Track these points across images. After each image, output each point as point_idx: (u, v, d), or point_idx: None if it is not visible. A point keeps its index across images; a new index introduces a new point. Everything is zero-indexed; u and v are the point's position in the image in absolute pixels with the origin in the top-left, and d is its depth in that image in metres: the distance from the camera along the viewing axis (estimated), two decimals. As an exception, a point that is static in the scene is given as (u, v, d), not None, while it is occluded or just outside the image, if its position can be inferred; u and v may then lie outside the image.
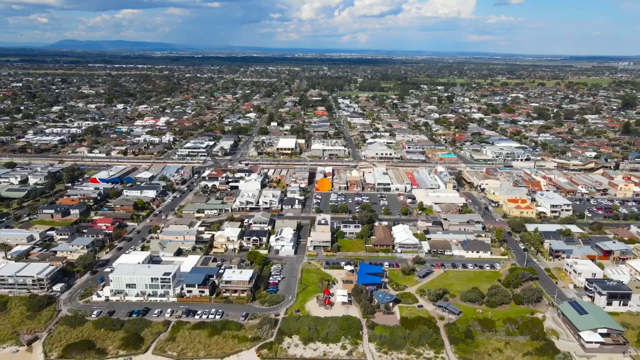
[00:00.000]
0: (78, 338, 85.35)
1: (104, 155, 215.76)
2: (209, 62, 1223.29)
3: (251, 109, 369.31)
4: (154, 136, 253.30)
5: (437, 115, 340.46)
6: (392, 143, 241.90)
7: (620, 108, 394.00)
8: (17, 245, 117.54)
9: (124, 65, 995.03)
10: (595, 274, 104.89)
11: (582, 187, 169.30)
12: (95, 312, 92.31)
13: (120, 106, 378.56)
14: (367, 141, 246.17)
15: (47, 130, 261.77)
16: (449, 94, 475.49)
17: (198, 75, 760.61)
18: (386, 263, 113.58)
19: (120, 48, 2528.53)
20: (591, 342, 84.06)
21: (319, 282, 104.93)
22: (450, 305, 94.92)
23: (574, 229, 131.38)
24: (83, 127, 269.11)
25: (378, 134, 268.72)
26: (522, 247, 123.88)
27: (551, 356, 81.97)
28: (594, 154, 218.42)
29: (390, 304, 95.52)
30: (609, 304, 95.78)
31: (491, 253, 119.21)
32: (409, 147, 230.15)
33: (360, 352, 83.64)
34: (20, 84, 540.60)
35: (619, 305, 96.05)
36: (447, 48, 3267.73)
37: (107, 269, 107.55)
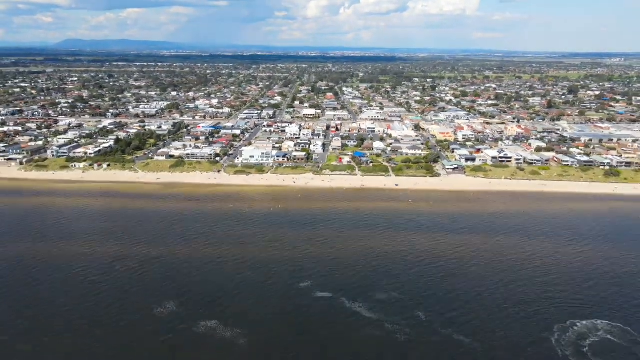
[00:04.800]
0: (237, 170, 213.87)
1: (191, 119, 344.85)
2: (216, 60, 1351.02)
3: (276, 95, 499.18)
4: (215, 109, 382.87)
5: (418, 98, 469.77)
6: (380, 112, 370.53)
7: (564, 94, 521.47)
8: (178, 150, 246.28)
9: (145, 63, 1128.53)
10: (464, 155, 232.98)
11: (488, 130, 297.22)
12: (238, 164, 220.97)
13: (174, 93, 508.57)
14: (362, 111, 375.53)
15: (141, 106, 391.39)
16: (434, 85, 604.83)
17: (217, 71, 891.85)
18: (368, 153, 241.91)
19: (126, 47, 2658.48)
20: (449, 169, 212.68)
21: (336, 157, 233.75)
22: (393, 161, 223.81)
23: (469, 144, 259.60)
24: (164, 105, 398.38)
25: (371, 107, 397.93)
26: (439, 149, 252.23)
27: (432, 173, 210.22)
28: (510, 116, 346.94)
29: (369, 162, 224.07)
30: (466, 161, 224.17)
31: (422, 151, 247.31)
32: (390, 114, 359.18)
33: (354, 174, 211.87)
34: (76, 78, 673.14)
35: (470, 162, 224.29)
36: (453, 45, 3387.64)
37: (243, 149, 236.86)
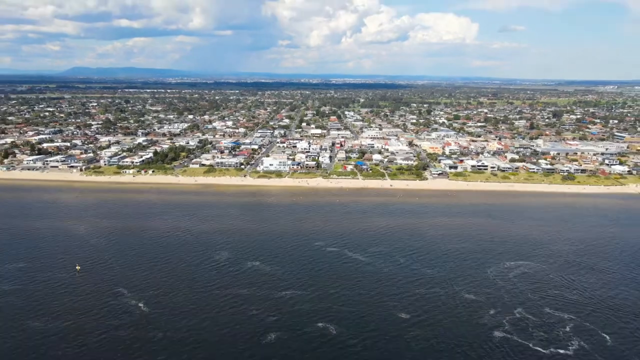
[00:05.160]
0: (259, 175, 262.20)
1: (212, 137, 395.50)
2: (221, 87, 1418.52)
3: (284, 117, 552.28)
4: (232, 129, 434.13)
5: (414, 120, 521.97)
6: (379, 132, 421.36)
7: (549, 117, 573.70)
8: (208, 160, 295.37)
9: (155, 90, 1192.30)
10: (449, 164, 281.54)
11: (472, 146, 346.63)
12: (260, 171, 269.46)
13: (190, 116, 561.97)
14: (363, 131, 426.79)
15: (165, 126, 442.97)
16: (429, 109, 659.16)
17: (226, 97, 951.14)
18: (368, 163, 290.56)
19: (132, 74, 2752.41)
20: (435, 174, 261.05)
21: (341, 165, 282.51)
22: (389, 169, 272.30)
23: (454, 156, 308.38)
24: (185, 125, 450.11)
25: (371, 128, 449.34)
26: (428, 160, 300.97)
27: (421, 177, 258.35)
28: (494, 135, 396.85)
29: (369, 169, 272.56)
30: (449, 169, 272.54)
31: (413, 161, 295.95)
32: (388, 133, 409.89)
33: (356, 178, 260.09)
34: (95, 103, 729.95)
35: (453, 169, 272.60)
36: (452, 73, 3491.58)
37: (263, 159, 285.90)
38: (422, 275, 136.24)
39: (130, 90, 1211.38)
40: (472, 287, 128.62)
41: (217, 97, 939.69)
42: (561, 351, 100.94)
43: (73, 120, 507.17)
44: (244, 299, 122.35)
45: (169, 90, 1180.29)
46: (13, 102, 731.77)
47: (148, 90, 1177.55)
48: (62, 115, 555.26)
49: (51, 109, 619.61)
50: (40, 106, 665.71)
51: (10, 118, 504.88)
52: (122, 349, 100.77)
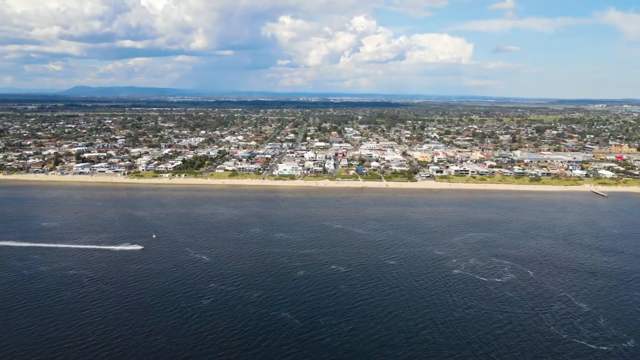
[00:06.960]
0: (276, 178, 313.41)
1: (228, 149, 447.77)
2: (222, 105, 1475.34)
3: (289, 132, 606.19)
4: (245, 142, 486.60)
5: (408, 135, 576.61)
6: (377, 145, 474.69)
7: (532, 132, 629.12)
8: (230, 166, 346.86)
9: (161, 108, 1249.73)
10: (436, 169, 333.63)
11: (458, 156, 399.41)
12: (276, 175, 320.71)
13: (203, 132, 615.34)
14: (362, 144, 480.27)
15: (183, 140, 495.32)
16: (423, 125, 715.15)
17: (231, 115, 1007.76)
18: (367, 168, 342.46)
19: (133, 93, 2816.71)
20: (424, 177, 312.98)
21: (344, 171, 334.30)
22: (385, 173, 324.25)
23: (441, 163, 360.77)
24: (202, 139, 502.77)
25: (370, 141, 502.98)
26: (418, 167, 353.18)
27: (411, 179, 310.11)
28: (478, 147, 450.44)
29: (368, 173, 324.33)
30: (436, 173, 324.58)
31: (406, 167, 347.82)
32: (384, 146, 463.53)
33: (357, 180, 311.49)
34: (110, 120, 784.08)
35: (439, 173, 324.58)
36: (448, 92, 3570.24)
37: (277, 165, 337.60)
38: (405, 241, 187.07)
39: (137, 108, 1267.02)
40: (440, 247, 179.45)
41: (222, 115, 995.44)
42: (497, 280, 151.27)
43: (96, 135, 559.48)
44: (277, 254, 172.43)
45: (174, 109, 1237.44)
46: (32, 119, 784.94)
47: (154, 109, 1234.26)
48: (84, 131, 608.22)
49: (72, 126, 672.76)
50: (60, 123, 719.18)
51: (38, 133, 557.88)
52: (195, 279, 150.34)
